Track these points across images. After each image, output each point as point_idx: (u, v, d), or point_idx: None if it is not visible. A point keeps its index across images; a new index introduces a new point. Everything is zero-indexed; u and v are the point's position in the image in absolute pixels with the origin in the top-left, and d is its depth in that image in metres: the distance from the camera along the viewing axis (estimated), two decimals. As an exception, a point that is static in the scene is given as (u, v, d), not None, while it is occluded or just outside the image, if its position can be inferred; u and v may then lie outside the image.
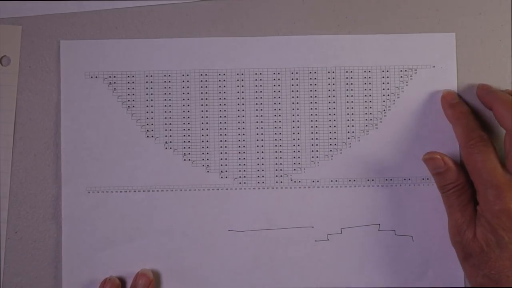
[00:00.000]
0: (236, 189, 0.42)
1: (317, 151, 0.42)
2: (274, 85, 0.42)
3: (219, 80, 0.42)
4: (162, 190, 0.42)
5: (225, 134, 0.42)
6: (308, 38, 0.42)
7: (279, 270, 0.42)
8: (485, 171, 0.37)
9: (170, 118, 0.42)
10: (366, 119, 0.42)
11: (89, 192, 0.42)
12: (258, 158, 0.42)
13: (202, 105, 0.42)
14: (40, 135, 0.42)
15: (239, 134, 0.42)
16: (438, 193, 0.41)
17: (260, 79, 0.42)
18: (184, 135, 0.42)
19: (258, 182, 0.42)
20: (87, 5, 0.43)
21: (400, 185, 0.42)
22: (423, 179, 0.42)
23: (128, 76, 0.42)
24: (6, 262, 0.42)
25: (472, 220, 0.38)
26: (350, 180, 0.42)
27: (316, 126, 0.42)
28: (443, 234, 0.41)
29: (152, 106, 0.42)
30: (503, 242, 0.36)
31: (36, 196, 0.42)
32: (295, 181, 0.42)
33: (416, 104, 0.42)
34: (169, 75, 0.42)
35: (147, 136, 0.42)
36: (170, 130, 0.42)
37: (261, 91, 0.42)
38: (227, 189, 0.42)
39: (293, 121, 0.42)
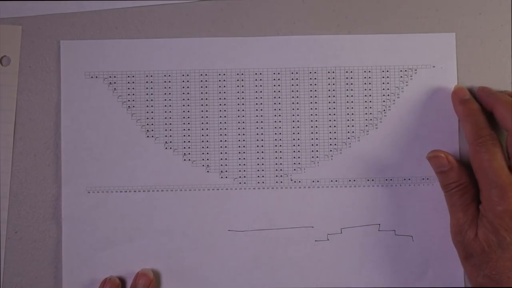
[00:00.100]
0: (236, 189, 0.42)
1: (317, 151, 0.42)
2: (274, 85, 0.42)
3: (219, 80, 0.42)
4: (162, 190, 0.42)
5: (225, 134, 0.42)
6: (308, 38, 0.42)
7: (279, 270, 0.42)
8: (490, 170, 0.37)
9: (170, 118, 0.42)
10: (366, 119, 0.42)
11: (89, 192, 0.42)
12: (258, 158, 0.42)
13: (202, 105, 0.42)
14: (40, 135, 0.42)
15: (239, 134, 0.42)
16: (438, 193, 0.41)
17: (260, 79, 0.42)
18: (184, 135, 0.42)
19: (258, 182, 0.42)
20: (87, 5, 0.43)
21: (400, 185, 0.42)
22: (423, 179, 0.42)
23: (128, 76, 0.42)
24: (6, 262, 0.42)
25: (474, 220, 0.38)
26: (350, 180, 0.42)
27: (316, 126, 0.42)
28: (443, 234, 0.41)
29: (152, 106, 0.42)
30: (505, 243, 0.36)
31: (36, 196, 0.42)
32: (295, 181, 0.42)
33: (416, 104, 0.42)
34: (169, 75, 0.42)
35: (147, 136, 0.42)
36: (170, 130, 0.42)
37: (261, 91, 0.42)
38: (227, 189, 0.42)
39: (293, 121, 0.42)
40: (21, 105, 0.42)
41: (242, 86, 0.42)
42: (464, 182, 0.39)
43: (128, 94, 0.42)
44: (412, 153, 0.42)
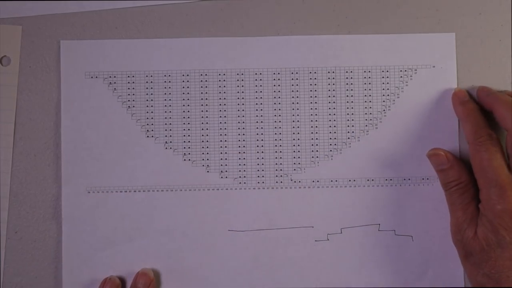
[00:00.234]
0: (236, 189, 0.42)
1: (317, 151, 0.42)
2: (274, 85, 0.42)
3: (219, 80, 0.42)
4: (162, 190, 0.42)
5: (225, 134, 0.42)
6: (308, 38, 0.42)
7: (279, 270, 0.42)
8: (490, 169, 0.37)
9: (170, 118, 0.42)
10: (366, 119, 0.42)
11: (89, 192, 0.42)
12: (258, 158, 0.42)
13: (202, 105, 0.42)
14: (40, 135, 0.42)
15: (239, 134, 0.42)
16: (438, 193, 0.41)
17: (260, 79, 0.42)
18: (184, 135, 0.42)
19: (258, 182, 0.42)
20: (87, 5, 0.43)
21: (400, 185, 0.42)
22: (423, 179, 0.42)
23: (128, 76, 0.42)
24: (6, 262, 0.42)
25: (473, 219, 0.38)
26: (350, 180, 0.42)
27: (316, 126, 0.42)
28: (443, 234, 0.41)
29: (152, 106, 0.42)
30: (504, 242, 0.36)
31: (36, 196, 0.42)
32: (295, 181, 0.42)
33: (416, 104, 0.42)
34: (169, 75, 0.42)
35: (147, 136, 0.42)
36: (170, 130, 0.42)
37: (261, 91, 0.42)
38: (227, 189, 0.42)
39: (293, 121, 0.42)
40: (21, 105, 0.42)
41: (242, 86, 0.42)
42: (464, 181, 0.39)
43: (128, 94, 0.42)
44: (412, 153, 0.42)
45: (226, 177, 0.42)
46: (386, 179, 0.42)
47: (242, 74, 0.42)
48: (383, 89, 0.42)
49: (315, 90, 0.42)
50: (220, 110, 0.42)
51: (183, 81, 0.42)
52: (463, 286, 0.41)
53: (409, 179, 0.42)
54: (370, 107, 0.42)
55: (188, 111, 0.42)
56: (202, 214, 0.42)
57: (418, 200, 0.42)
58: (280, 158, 0.42)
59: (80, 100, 0.42)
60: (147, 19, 0.43)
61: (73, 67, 0.42)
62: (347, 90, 0.42)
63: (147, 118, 0.42)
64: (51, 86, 0.42)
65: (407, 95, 0.42)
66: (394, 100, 0.42)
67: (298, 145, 0.42)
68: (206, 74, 0.42)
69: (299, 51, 0.42)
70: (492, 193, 0.37)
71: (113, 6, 0.43)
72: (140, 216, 0.42)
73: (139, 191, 0.42)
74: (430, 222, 0.42)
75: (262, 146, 0.42)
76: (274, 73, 0.42)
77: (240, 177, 0.42)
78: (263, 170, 0.42)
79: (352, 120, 0.42)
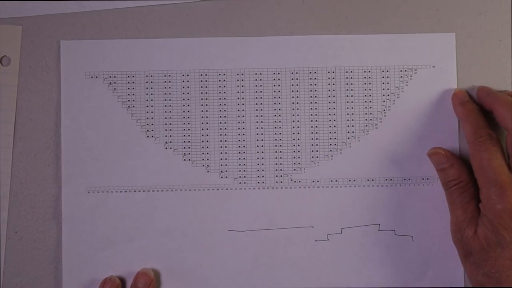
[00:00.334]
0: (236, 189, 0.42)
1: (317, 151, 0.42)
2: (274, 85, 0.42)
3: (219, 80, 0.42)
4: (162, 190, 0.42)
5: (225, 134, 0.42)
6: (308, 38, 0.42)
7: (279, 270, 0.42)
8: (490, 169, 0.37)
9: (170, 118, 0.42)
10: (366, 119, 0.42)
11: (89, 192, 0.42)
12: (258, 158, 0.42)
13: (202, 105, 0.42)
14: (40, 135, 0.42)
15: (239, 134, 0.42)
16: (438, 193, 0.41)
17: (260, 79, 0.42)
18: (184, 135, 0.42)
19: (258, 182, 0.42)
20: (87, 5, 0.43)
21: (400, 185, 0.42)
22: (423, 179, 0.42)
23: (128, 76, 0.42)
24: (6, 262, 0.42)
25: (473, 218, 0.38)
26: (350, 180, 0.42)
27: (316, 126, 0.42)
28: (443, 234, 0.41)
29: (152, 106, 0.42)
30: (504, 241, 0.36)
31: (36, 196, 0.42)
32: (295, 181, 0.42)
33: (416, 104, 0.42)
34: (169, 75, 0.42)
35: (147, 136, 0.42)
36: (170, 130, 0.42)
37: (261, 91, 0.42)
38: (227, 189, 0.42)
39: (293, 121, 0.42)
40: (21, 105, 0.42)
41: (242, 86, 0.42)
42: (464, 180, 0.39)
43: (128, 94, 0.42)
44: (412, 153, 0.42)
45: (226, 177, 0.42)
46: (386, 179, 0.42)
47: (242, 74, 0.42)
48: (383, 89, 0.42)
49: (315, 90, 0.42)
50: (220, 110, 0.42)
51: (183, 81, 0.42)
52: (463, 286, 0.41)
53: (409, 179, 0.42)
54: (370, 107, 0.42)
55: (188, 111, 0.42)
56: (202, 214, 0.42)
57: (418, 200, 0.42)
58: (280, 158, 0.42)
59: (80, 100, 0.42)
60: (147, 19, 0.43)
61: (73, 67, 0.42)
62: (347, 90, 0.42)
63: (147, 118, 0.42)
64: (51, 86, 0.42)
65: (407, 95, 0.42)
66: (394, 100, 0.42)
67: (298, 145, 0.42)
68: (206, 74, 0.42)
69: (299, 51, 0.42)
70: (492, 192, 0.37)
71: (113, 6, 0.43)
72: (140, 216, 0.42)
73: (139, 191, 0.42)
74: (430, 222, 0.42)
75: (262, 146, 0.42)
76: (274, 73, 0.42)
77: (240, 177, 0.42)
78: (263, 170, 0.42)
79: (352, 120, 0.42)
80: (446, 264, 0.41)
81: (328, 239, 0.42)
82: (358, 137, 0.42)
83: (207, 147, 0.42)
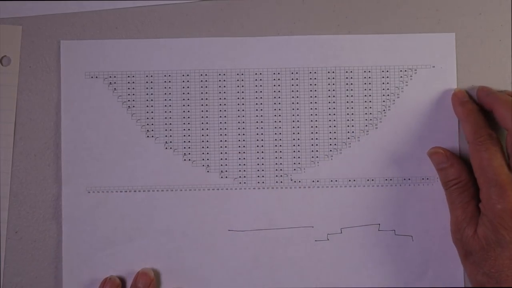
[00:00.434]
0: (236, 189, 0.42)
1: (317, 151, 0.42)
2: (274, 85, 0.42)
3: (219, 80, 0.42)
4: (162, 190, 0.42)
5: (225, 134, 0.42)
6: (308, 38, 0.42)
7: (279, 270, 0.42)
8: (490, 169, 0.37)
9: (170, 118, 0.42)
10: (366, 119, 0.42)
11: (89, 192, 0.42)
12: (258, 158, 0.42)
13: (202, 105, 0.42)
14: (40, 135, 0.42)
15: (239, 134, 0.42)
16: (438, 193, 0.41)
17: (260, 79, 0.42)
18: (184, 135, 0.42)
19: (258, 182, 0.42)
20: (87, 5, 0.43)
21: (400, 185, 0.42)
22: (423, 179, 0.42)
23: (128, 76, 0.42)
24: (6, 262, 0.42)
25: (473, 218, 0.38)
26: (350, 180, 0.42)
27: (316, 126, 0.42)
28: (443, 234, 0.41)
29: (152, 106, 0.42)
30: (504, 241, 0.36)
31: (36, 196, 0.42)
32: (295, 181, 0.42)
33: (416, 104, 0.42)
34: (169, 75, 0.42)
35: (147, 136, 0.42)
36: (170, 130, 0.42)
37: (261, 91, 0.42)
38: (227, 189, 0.42)
39: (293, 121, 0.42)
40: (21, 105, 0.42)
41: (242, 86, 0.42)
42: (463, 180, 0.39)
43: (128, 94, 0.42)
44: (412, 153, 0.42)
45: (226, 177, 0.42)
46: (386, 179, 0.42)
47: (242, 74, 0.42)
48: (383, 89, 0.42)
49: (315, 90, 0.42)
50: (220, 110, 0.42)
51: (183, 81, 0.42)
52: (463, 286, 0.41)
53: (409, 179, 0.42)
54: (370, 107, 0.42)
55: (188, 111, 0.42)
56: (202, 214, 0.42)
57: (418, 200, 0.42)
58: (280, 158, 0.42)
59: (80, 100, 0.42)
60: (147, 19, 0.43)
61: (73, 67, 0.42)
62: (347, 90, 0.42)
63: (147, 118, 0.42)
64: (51, 86, 0.42)
65: (407, 95, 0.42)
66: (394, 100, 0.42)
67: (298, 145, 0.42)
68: (206, 74, 0.42)
69: (299, 51, 0.42)
70: (492, 192, 0.37)
71: (113, 6, 0.43)
72: (140, 216, 0.42)
73: (139, 191, 0.42)
74: (430, 222, 0.42)
75: (262, 146, 0.42)
76: (274, 73, 0.42)
77: (240, 177, 0.42)
78: (263, 170, 0.42)
79: (352, 120, 0.42)
80: (446, 264, 0.41)
81: (328, 239, 0.42)
82: (358, 137, 0.42)
83: (207, 147, 0.42)
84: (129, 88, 0.42)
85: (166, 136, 0.42)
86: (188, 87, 0.42)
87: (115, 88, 0.42)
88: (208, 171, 0.42)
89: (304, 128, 0.42)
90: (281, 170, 0.42)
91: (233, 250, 0.42)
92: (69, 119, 0.42)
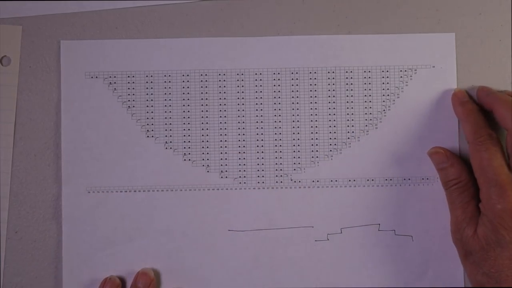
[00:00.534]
0: (236, 189, 0.42)
1: (317, 151, 0.42)
2: (274, 85, 0.42)
3: (219, 80, 0.42)
4: (162, 190, 0.42)
5: (225, 134, 0.42)
6: (308, 38, 0.42)
7: (279, 270, 0.42)
8: (490, 169, 0.37)
9: (170, 118, 0.42)
10: (366, 119, 0.42)
11: (89, 192, 0.42)
12: (258, 158, 0.42)
13: (202, 105, 0.42)
14: (40, 135, 0.42)
15: (239, 134, 0.42)
16: (438, 193, 0.41)
17: (260, 79, 0.42)
18: (184, 135, 0.42)
19: (258, 182, 0.42)
20: (87, 5, 0.43)
21: (400, 185, 0.42)
22: (423, 179, 0.42)
23: (128, 76, 0.42)
24: (6, 262, 0.42)
25: (473, 218, 0.38)
26: (350, 180, 0.42)
27: (316, 126, 0.42)
28: (443, 234, 0.41)
29: (152, 106, 0.42)
30: (504, 241, 0.36)
31: (36, 196, 0.42)
32: (295, 181, 0.42)
33: (416, 104, 0.42)
34: (169, 75, 0.42)
35: (147, 136, 0.42)
36: (170, 130, 0.42)
37: (261, 91, 0.42)
38: (227, 189, 0.42)
39: (293, 121, 0.42)
40: (21, 105, 0.42)
41: (242, 86, 0.42)
42: (464, 180, 0.39)
43: (128, 94, 0.42)
44: (412, 153, 0.42)
45: (226, 177, 0.42)
46: (386, 179, 0.42)
47: (242, 74, 0.42)
48: (383, 89, 0.42)
49: (315, 90, 0.42)
50: (220, 110, 0.42)
51: (183, 81, 0.42)
52: (463, 286, 0.41)
53: (409, 179, 0.42)
54: (370, 107, 0.42)
55: (188, 111, 0.42)
56: (202, 214, 0.42)
57: (418, 200, 0.42)
58: (280, 158, 0.42)
59: (80, 100, 0.42)
60: (147, 19, 0.43)
61: (73, 67, 0.42)
62: (347, 90, 0.42)
63: (147, 118, 0.42)
64: (51, 86, 0.42)
65: (407, 95, 0.42)
66: (394, 100, 0.42)
67: (298, 145, 0.42)
68: (206, 74, 0.42)
69: (299, 51, 0.42)
70: (492, 192, 0.37)
71: (113, 6, 0.43)
72: (140, 216, 0.42)
73: (139, 191, 0.42)
74: (430, 222, 0.42)
75: (262, 146, 0.42)
76: (274, 73, 0.42)
77: (240, 177, 0.42)
78: (263, 170, 0.42)
79: (352, 120, 0.42)
80: (446, 264, 0.41)
81: (328, 239, 0.42)
82: (358, 137, 0.42)
83: (207, 147, 0.42)
84: (129, 88, 0.42)
85: (166, 136, 0.42)
86: (188, 87, 0.42)
87: (115, 88, 0.42)
88: (208, 171, 0.42)
89: (304, 128, 0.42)
90: (281, 170, 0.42)
91: (233, 250, 0.42)
92: (69, 119, 0.42)
